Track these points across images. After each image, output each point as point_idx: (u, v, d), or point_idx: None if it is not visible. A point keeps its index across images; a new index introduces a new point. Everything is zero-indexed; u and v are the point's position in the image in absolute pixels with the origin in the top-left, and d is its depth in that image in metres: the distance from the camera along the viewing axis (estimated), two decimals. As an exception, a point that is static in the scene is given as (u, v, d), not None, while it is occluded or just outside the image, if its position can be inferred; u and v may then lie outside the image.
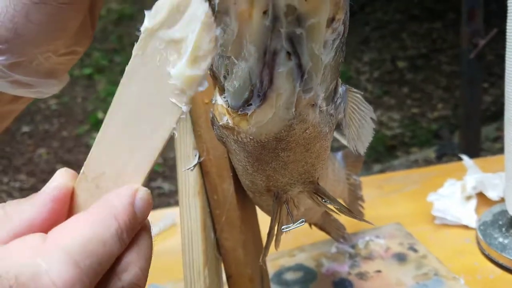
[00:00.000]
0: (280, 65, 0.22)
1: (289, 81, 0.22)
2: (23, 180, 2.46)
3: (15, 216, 0.22)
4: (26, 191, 2.39)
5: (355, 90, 0.35)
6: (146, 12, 0.21)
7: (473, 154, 1.70)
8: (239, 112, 0.27)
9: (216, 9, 0.21)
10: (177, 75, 0.21)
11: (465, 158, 0.81)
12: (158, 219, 0.89)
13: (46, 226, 0.22)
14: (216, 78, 0.30)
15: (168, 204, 2.21)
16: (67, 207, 0.24)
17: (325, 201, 0.32)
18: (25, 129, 2.77)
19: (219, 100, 0.31)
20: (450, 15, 3.54)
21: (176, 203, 2.21)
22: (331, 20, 0.21)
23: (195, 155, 0.41)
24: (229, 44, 0.23)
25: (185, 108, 0.21)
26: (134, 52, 0.21)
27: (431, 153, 2.41)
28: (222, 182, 0.41)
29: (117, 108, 0.23)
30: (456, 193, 0.74)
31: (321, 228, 0.53)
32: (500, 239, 0.63)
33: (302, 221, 0.32)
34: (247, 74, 0.24)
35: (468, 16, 1.58)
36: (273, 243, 0.35)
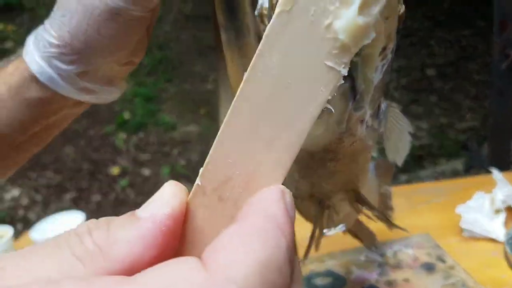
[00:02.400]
0: (335, 86, 0.24)
1: (343, 101, 0.24)
2: (50, 177, 2.53)
3: (109, 250, 0.16)
4: (52, 188, 2.47)
5: (394, 105, 0.36)
6: None
7: (502, 167, 1.67)
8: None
9: None
10: (344, 27, 0.16)
11: (494, 171, 0.81)
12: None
13: (154, 263, 0.17)
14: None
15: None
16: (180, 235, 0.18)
17: (367, 209, 0.33)
18: (55, 127, 2.86)
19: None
20: (479, 23, 3.49)
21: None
22: (383, 49, 0.23)
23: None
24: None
25: (344, 72, 0.17)
26: (277, 9, 0.17)
27: (458, 164, 2.38)
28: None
29: (249, 93, 0.18)
30: (485, 206, 0.74)
31: (355, 235, 0.55)
32: (529, 253, 0.63)
33: (343, 226, 0.34)
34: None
35: (500, 27, 1.57)
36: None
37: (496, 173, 0.80)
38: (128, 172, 2.56)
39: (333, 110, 0.19)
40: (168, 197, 0.18)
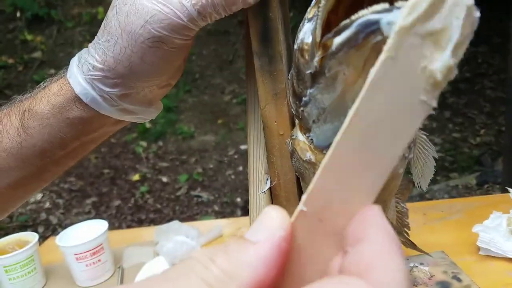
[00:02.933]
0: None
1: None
2: (72, 182, 2.59)
3: (234, 273, 0.17)
4: (74, 192, 2.52)
5: (422, 132, 0.38)
6: (396, 11, 0.21)
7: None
8: (324, 152, 0.31)
9: (326, 74, 0.25)
10: (439, 66, 0.19)
11: (511, 191, 0.82)
12: (208, 229, 0.94)
13: (271, 285, 0.18)
14: (301, 119, 0.34)
15: (206, 213, 2.27)
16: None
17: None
18: (76, 133, 2.93)
19: (300, 137, 0.36)
20: (496, 39, 3.48)
21: (214, 212, 2.27)
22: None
23: (267, 180, 0.45)
24: (328, 99, 0.27)
25: (435, 103, 0.19)
26: (383, 56, 0.19)
27: (471, 179, 2.37)
28: (289, 205, 0.45)
29: (354, 127, 0.20)
30: (502, 225, 0.75)
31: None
32: (546, 275, 0.64)
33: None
34: (339, 123, 0.28)
35: (518, 45, 1.57)
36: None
37: (512, 193, 0.81)
38: (147, 179, 2.60)
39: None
40: (279, 220, 0.19)
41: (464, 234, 0.79)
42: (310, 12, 0.32)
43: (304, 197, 0.20)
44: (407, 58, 0.19)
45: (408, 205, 0.80)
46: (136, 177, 2.59)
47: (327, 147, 0.30)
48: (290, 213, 0.47)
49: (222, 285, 0.17)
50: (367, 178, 0.20)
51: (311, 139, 0.33)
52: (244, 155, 2.72)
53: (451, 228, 0.84)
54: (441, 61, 0.19)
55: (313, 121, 0.31)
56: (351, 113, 0.19)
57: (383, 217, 0.19)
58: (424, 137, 0.39)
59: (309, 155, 0.33)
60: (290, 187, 0.45)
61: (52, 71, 3.49)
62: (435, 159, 0.42)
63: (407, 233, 0.71)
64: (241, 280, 0.17)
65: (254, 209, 0.46)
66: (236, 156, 2.71)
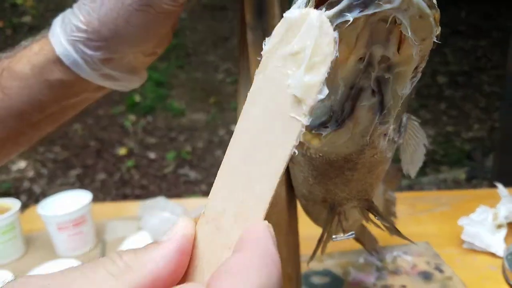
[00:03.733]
0: (364, 100, 0.25)
1: (369, 114, 0.25)
2: (57, 152, 2.56)
3: (137, 267, 0.19)
4: (59, 163, 2.49)
5: (414, 118, 0.37)
6: (266, 39, 0.22)
7: (506, 180, 1.67)
8: (313, 131, 0.30)
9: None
10: (295, 84, 0.20)
11: (500, 186, 0.81)
12: (194, 206, 0.93)
13: (171, 280, 0.20)
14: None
15: (193, 192, 2.27)
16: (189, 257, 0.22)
17: (377, 219, 0.34)
18: (65, 103, 2.88)
19: (290, 116, 0.34)
20: (496, 34, 3.46)
21: (201, 192, 2.26)
22: (415, 68, 0.24)
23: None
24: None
25: (305, 121, 0.20)
26: (255, 76, 0.21)
27: (461, 174, 2.38)
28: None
29: (239, 137, 0.22)
30: (488, 220, 0.75)
31: (357, 239, 0.56)
32: (527, 271, 0.64)
33: (352, 234, 0.35)
34: (329, 102, 0.27)
35: (518, 40, 1.56)
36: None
37: (501, 189, 0.81)
38: (134, 154, 2.57)
39: (297, 152, 0.22)
40: (182, 224, 0.22)
41: (449, 226, 0.79)
42: None
43: (207, 201, 0.22)
44: (274, 77, 0.21)
45: (396, 195, 0.80)
46: (122, 151, 2.57)
47: (317, 127, 0.29)
48: (277, 195, 0.46)
49: (124, 275, 0.19)
50: (255, 190, 0.21)
51: (301, 119, 0.31)
52: (236, 136, 2.68)
53: (437, 220, 0.84)
54: (297, 79, 0.20)
55: (303, 99, 0.29)
56: (238, 120, 0.21)
57: (267, 235, 0.20)
58: (417, 123, 0.38)
59: (297, 135, 0.31)
60: (277, 168, 0.43)
61: (44, 37, 3.40)
62: (426, 150, 0.41)
63: (393, 221, 0.71)
64: (142, 271, 0.19)
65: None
66: (226, 137, 2.68)
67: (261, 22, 0.40)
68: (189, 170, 2.43)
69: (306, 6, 0.27)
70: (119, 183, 2.36)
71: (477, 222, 0.74)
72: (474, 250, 0.72)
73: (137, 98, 2.93)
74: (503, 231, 0.73)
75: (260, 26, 0.40)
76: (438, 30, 0.23)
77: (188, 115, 2.91)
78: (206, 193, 2.22)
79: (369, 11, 0.20)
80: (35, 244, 0.86)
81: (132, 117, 2.83)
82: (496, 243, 0.71)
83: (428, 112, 2.90)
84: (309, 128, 0.31)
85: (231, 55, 3.42)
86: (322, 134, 0.29)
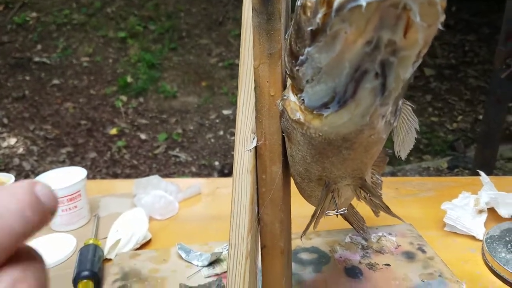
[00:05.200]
0: (367, 82, 0.27)
1: (371, 96, 0.27)
2: (48, 130, 2.54)
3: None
4: (49, 141, 2.48)
5: (408, 103, 0.40)
6: None
7: (486, 172, 1.73)
8: (315, 112, 0.32)
9: (327, 32, 0.26)
10: None
11: (482, 174, 0.85)
12: (186, 186, 0.95)
13: None
14: (294, 78, 0.35)
15: (183, 173, 2.28)
16: None
17: (369, 196, 0.37)
18: (55, 81, 2.85)
19: (292, 97, 0.37)
20: (485, 30, 3.51)
21: (191, 173, 2.28)
22: (419, 52, 0.26)
23: (253, 139, 0.46)
24: (326, 58, 0.28)
25: None
26: None
27: (443, 163, 2.45)
28: (272, 165, 0.46)
29: None
30: (469, 205, 0.78)
31: (346, 218, 0.58)
32: (504, 254, 0.68)
33: (345, 210, 0.38)
34: (333, 84, 0.29)
35: (506, 36, 1.59)
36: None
37: (483, 176, 0.84)
38: (125, 134, 2.57)
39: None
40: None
41: (432, 210, 0.82)
42: None
43: None
44: None
45: (382, 179, 0.83)
46: (113, 131, 2.56)
47: (318, 107, 0.31)
48: (273, 172, 0.48)
49: None
50: None
51: (303, 100, 0.33)
52: (226, 120, 2.71)
53: (421, 204, 0.87)
54: None
55: (307, 81, 0.32)
56: None
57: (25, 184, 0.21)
58: (410, 108, 0.40)
59: (298, 115, 0.34)
60: (276, 148, 0.46)
61: (34, 14, 3.36)
62: (416, 131, 0.44)
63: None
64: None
65: (238, 164, 0.46)
66: (217, 120, 2.70)
67: (267, 6, 0.41)
68: (179, 151, 2.45)
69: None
70: (110, 162, 2.37)
71: (459, 207, 0.78)
72: (455, 233, 0.76)
73: (129, 79, 2.92)
74: (484, 216, 0.77)
75: (265, 10, 0.41)
76: (443, 17, 0.25)
77: (179, 98, 2.91)
78: (195, 174, 2.24)
79: None
80: (30, 218, 0.87)
81: (123, 98, 2.82)
82: (477, 227, 0.75)
83: (414, 103, 2.95)
84: (310, 109, 0.33)
85: (224, 40, 3.41)
86: (323, 114, 0.31)
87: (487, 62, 3.17)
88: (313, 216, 0.40)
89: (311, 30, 0.28)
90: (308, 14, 0.29)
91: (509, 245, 0.70)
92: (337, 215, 0.60)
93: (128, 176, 2.23)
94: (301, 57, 0.31)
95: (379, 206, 0.39)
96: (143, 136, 2.57)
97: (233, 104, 2.86)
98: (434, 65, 3.31)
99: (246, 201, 0.46)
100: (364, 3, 0.22)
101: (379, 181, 0.75)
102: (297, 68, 0.33)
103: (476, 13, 3.68)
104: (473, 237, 0.75)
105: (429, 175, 2.31)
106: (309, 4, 0.30)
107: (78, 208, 0.83)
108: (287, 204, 0.50)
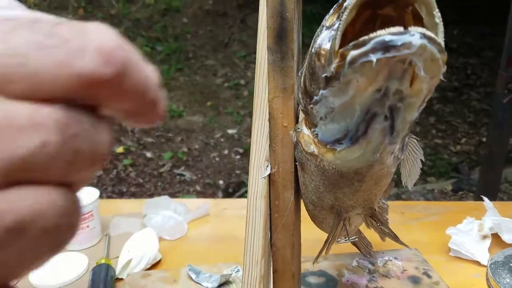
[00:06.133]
0: (377, 123, 0.29)
1: (381, 135, 0.30)
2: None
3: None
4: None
5: (413, 136, 0.42)
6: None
7: (490, 195, 1.74)
8: (328, 146, 0.34)
9: (340, 80, 0.28)
10: None
11: (486, 200, 0.87)
12: (195, 206, 0.97)
13: None
14: (308, 115, 0.37)
15: (188, 192, 2.30)
16: None
17: (378, 225, 0.39)
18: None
19: (305, 130, 0.39)
20: (487, 53, 3.56)
21: (196, 192, 2.30)
22: (423, 98, 0.29)
23: (267, 166, 0.48)
24: (339, 101, 0.30)
25: None
26: None
27: (447, 185, 2.45)
28: (284, 191, 0.49)
29: None
30: (474, 230, 0.80)
31: (354, 243, 0.60)
32: (508, 280, 0.69)
33: (356, 237, 0.40)
34: (345, 123, 0.31)
35: (508, 61, 1.62)
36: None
37: (487, 202, 0.86)
38: (131, 152, 2.61)
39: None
40: None
41: (437, 235, 0.84)
42: (328, 20, 0.35)
43: None
44: None
45: (388, 203, 0.85)
46: (120, 149, 2.60)
47: (331, 142, 0.33)
48: (285, 198, 0.50)
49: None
50: None
51: (316, 134, 0.36)
52: (230, 139, 2.74)
53: (426, 229, 0.89)
54: None
55: (321, 118, 0.34)
56: None
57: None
58: (415, 141, 0.43)
59: (312, 148, 0.36)
60: (288, 175, 0.48)
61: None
62: (421, 162, 0.46)
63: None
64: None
65: (252, 192, 0.49)
66: (222, 140, 2.73)
67: (281, 46, 0.44)
68: (184, 170, 2.47)
69: (330, 42, 0.32)
70: (116, 180, 2.39)
71: (463, 232, 0.79)
72: (460, 258, 0.78)
73: (137, 98, 2.96)
74: (488, 242, 0.79)
75: (279, 50, 0.44)
76: (444, 69, 0.28)
77: (185, 117, 2.95)
78: (200, 193, 2.25)
79: (390, 54, 0.25)
80: (42, 236, 0.89)
81: (130, 117, 2.86)
82: (481, 253, 0.76)
83: (418, 125, 2.98)
84: (324, 143, 0.35)
85: (230, 61, 3.47)
86: (336, 149, 0.33)
87: (489, 85, 3.20)
88: (325, 242, 0.42)
89: (326, 76, 0.30)
90: (323, 61, 0.32)
91: (513, 271, 0.71)
92: (349, 242, 0.62)
93: (133, 194, 2.25)
94: (315, 97, 0.34)
95: (387, 234, 0.41)
96: (149, 155, 2.60)
97: (237, 123, 2.90)
98: (437, 87, 3.32)
99: (260, 226, 0.48)
100: (374, 59, 0.25)
101: (385, 206, 0.76)
102: (311, 106, 0.35)
103: (478, 36, 3.74)
104: (477, 263, 0.76)
105: (434, 197, 2.32)
106: (323, 52, 0.32)
107: (90, 228, 0.84)
108: (298, 230, 0.52)
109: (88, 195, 0.86)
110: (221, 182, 2.39)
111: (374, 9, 0.31)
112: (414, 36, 0.25)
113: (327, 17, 0.37)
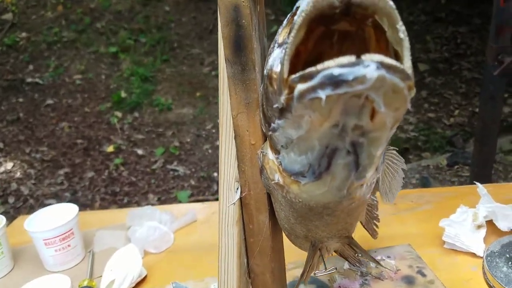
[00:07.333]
0: (339, 158, 0.25)
1: (345, 171, 0.26)
2: (44, 152, 2.52)
3: None
4: (46, 162, 2.47)
5: (391, 147, 0.38)
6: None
7: (486, 167, 1.71)
8: (292, 178, 0.30)
9: (292, 112, 0.24)
10: None
11: (479, 186, 0.83)
12: (181, 213, 0.94)
13: None
14: (271, 139, 0.33)
15: (182, 188, 2.27)
16: None
17: (357, 254, 0.35)
18: (49, 101, 2.83)
19: (270, 155, 0.35)
20: (476, 20, 3.50)
21: (190, 187, 2.27)
22: (390, 128, 0.25)
23: (237, 188, 0.45)
24: (295, 134, 0.26)
25: None
26: None
27: (442, 160, 2.43)
28: (258, 214, 0.45)
29: None
30: (468, 220, 0.77)
31: (340, 254, 0.57)
32: (505, 271, 0.66)
33: (334, 268, 0.36)
34: (306, 156, 0.27)
35: (496, 31, 1.58)
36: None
37: (480, 188, 0.83)
38: (122, 151, 2.56)
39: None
40: None
41: (431, 226, 0.81)
42: (281, 34, 0.31)
43: None
44: None
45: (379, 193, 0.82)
46: (110, 148, 2.55)
47: (295, 174, 0.30)
48: (260, 221, 0.46)
49: None
50: None
51: (280, 162, 0.32)
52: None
53: (419, 220, 0.86)
54: None
55: (282, 146, 0.30)
56: None
57: None
58: (394, 151, 0.39)
59: (277, 177, 0.32)
60: (261, 197, 0.44)
61: (24, 34, 3.34)
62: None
63: (376, 225, 0.73)
64: None
65: (223, 217, 0.45)
66: (214, 130, 2.68)
67: (240, 57, 0.40)
68: (177, 165, 2.43)
69: (280, 68, 0.27)
70: (108, 180, 2.36)
71: (457, 223, 0.76)
72: (455, 251, 0.75)
73: (123, 94, 2.90)
74: (483, 231, 0.76)
75: (238, 61, 0.40)
76: (413, 94, 0.24)
77: (174, 110, 2.90)
78: (195, 188, 2.22)
79: (340, 91, 0.21)
80: (23, 258, 0.86)
81: (118, 114, 2.81)
82: (476, 244, 0.74)
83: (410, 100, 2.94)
84: (288, 173, 0.31)
85: (216, 48, 3.39)
86: (301, 182, 0.30)
87: (480, 53, 3.15)
88: (302, 275, 0.38)
89: (277, 107, 0.26)
90: (275, 87, 0.28)
91: (510, 262, 0.68)
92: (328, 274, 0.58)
93: (127, 194, 2.22)
94: (272, 125, 0.30)
95: (368, 259, 0.38)
96: (140, 152, 2.55)
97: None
98: (427, 60, 3.29)
99: (233, 256, 0.45)
100: (323, 96, 0.21)
101: (375, 202, 0.73)
102: (270, 133, 0.31)
103: (466, 4, 3.66)
104: (473, 254, 0.73)
105: (429, 173, 2.30)
106: (274, 76, 0.28)
107: (72, 246, 0.81)
108: (278, 253, 0.48)
109: (67, 211, 0.83)
110: (215, 174, 2.35)
111: (327, 25, 0.27)
112: (369, 67, 0.20)
113: (280, 29, 0.32)
